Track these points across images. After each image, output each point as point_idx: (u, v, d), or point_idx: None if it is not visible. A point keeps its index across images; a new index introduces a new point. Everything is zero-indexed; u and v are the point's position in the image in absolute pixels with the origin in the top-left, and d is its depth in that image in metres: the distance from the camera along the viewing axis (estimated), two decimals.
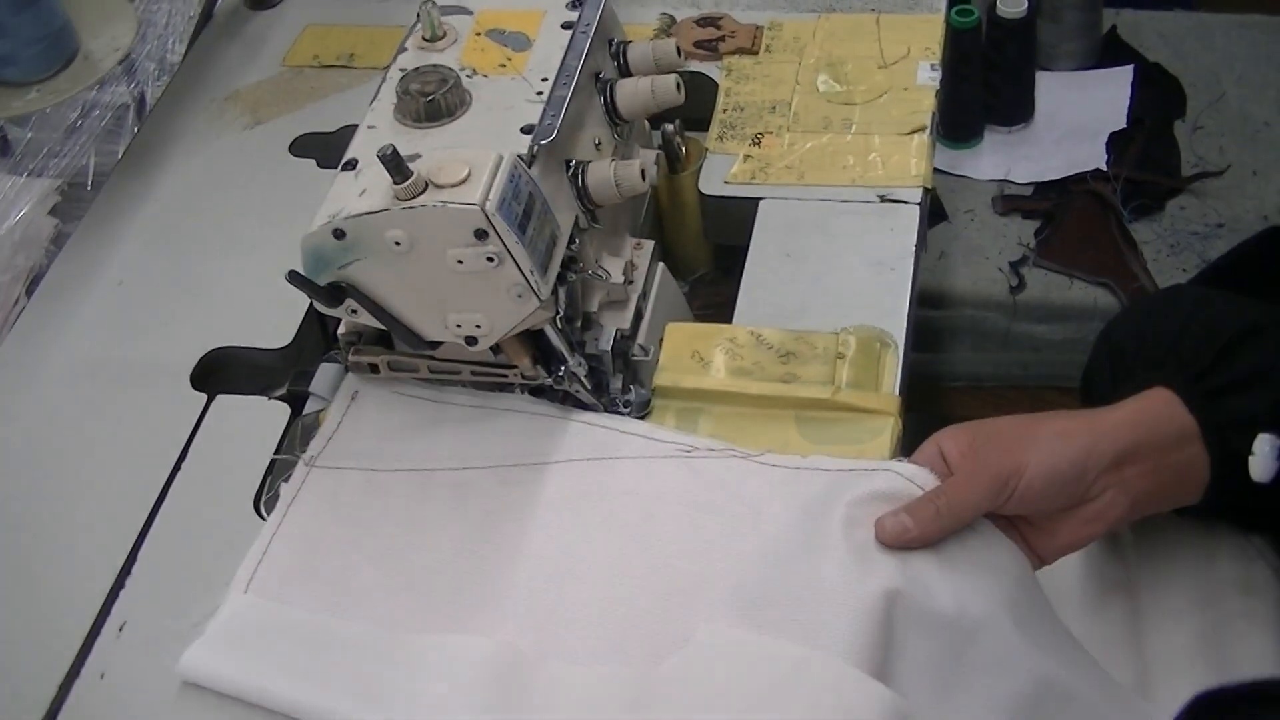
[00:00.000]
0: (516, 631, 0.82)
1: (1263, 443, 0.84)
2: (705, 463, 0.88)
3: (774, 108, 1.13)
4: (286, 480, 0.91)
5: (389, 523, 0.89)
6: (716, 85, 1.16)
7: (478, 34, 0.96)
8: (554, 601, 0.83)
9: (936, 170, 1.38)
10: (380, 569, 0.86)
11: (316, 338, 1.04)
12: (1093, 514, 0.85)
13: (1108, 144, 1.65)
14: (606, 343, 0.93)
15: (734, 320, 0.97)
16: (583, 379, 0.91)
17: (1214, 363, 0.88)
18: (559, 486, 0.89)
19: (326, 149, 1.16)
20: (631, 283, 0.97)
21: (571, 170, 0.91)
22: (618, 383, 0.94)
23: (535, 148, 0.86)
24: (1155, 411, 0.86)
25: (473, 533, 0.87)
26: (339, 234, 0.83)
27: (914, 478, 0.84)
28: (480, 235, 0.81)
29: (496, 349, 0.90)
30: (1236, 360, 0.88)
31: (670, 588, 0.82)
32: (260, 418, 0.97)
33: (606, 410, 0.93)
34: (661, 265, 1.02)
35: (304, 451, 0.93)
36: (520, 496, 0.89)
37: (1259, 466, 0.84)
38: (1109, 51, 1.78)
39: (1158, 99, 1.71)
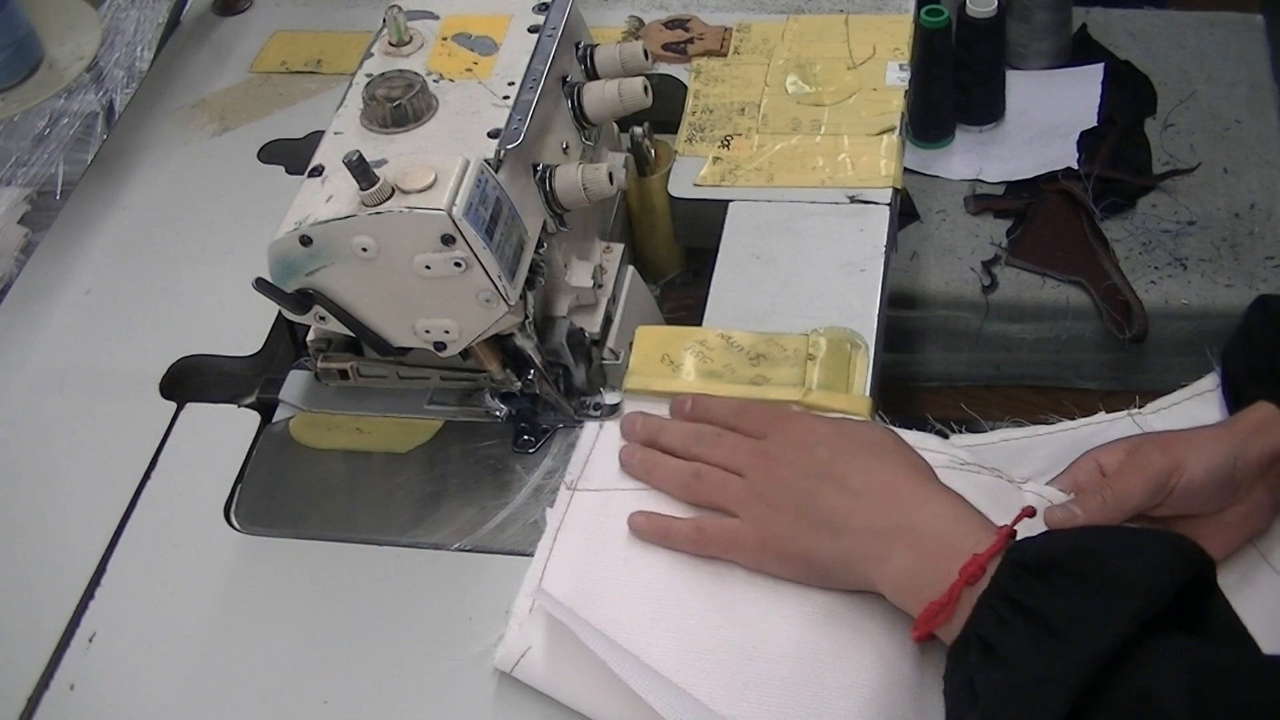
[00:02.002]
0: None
1: None
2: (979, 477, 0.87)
3: (743, 109, 1.13)
4: (550, 506, 0.88)
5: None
6: (685, 87, 1.16)
7: (444, 39, 0.96)
8: None
9: (908, 170, 1.39)
10: (658, 592, 0.83)
11: (286, 345, 1.03)
12: (1241, 515, 0.86)
13: (1079, 142, 1.65)
14: (561, 336, 0.92)
15: (704, 323, 0.97)
16: (552, 383, 0.91)
17: None
18: None
19: (295, 155, 1.15)
20: (601, 286, 0.97)
21: (539, 174, 0.90)
22: (581, 373, 0.93)
23: (502, 152, 0.86)
24: (1263, 423, 0.87)
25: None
26: (306, 241, 0.82)
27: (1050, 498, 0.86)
28: (447, 240, 0.81)
29: (465, 354, 0.89)
30: None
31: None
32: (230, 426, 0.97)
33: (576, 415, 0.93)
34: (631, 269, 1.02)
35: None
36: None
37: None
38: (1079, 50, 1.79)
39: (1128, 97, 1.72)
